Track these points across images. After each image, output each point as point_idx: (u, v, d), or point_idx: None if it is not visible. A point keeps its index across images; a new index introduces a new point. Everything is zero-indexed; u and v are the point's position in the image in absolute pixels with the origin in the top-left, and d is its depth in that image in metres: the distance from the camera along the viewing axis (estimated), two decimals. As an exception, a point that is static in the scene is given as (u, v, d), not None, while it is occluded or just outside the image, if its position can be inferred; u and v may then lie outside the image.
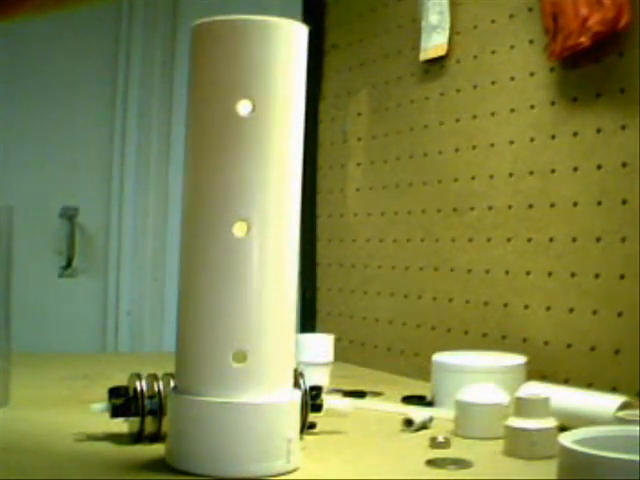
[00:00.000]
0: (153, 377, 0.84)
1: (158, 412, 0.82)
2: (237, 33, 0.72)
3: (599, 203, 1.09)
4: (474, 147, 1.28)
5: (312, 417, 0.87)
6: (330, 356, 1.17)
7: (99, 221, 1.86)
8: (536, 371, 1.08)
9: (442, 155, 1.34)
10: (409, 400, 1.09)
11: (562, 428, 0.79)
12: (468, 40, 1.30)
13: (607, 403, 0.88)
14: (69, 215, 1.84)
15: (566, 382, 1.08)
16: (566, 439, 0.65)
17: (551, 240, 1.15)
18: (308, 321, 1.60)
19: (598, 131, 1.09)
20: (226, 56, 0.73)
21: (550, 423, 0.82)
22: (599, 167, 1.09)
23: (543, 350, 1.14)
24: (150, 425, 0.82)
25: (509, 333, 1.20)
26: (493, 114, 1.25)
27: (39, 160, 1.83)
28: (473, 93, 1.29)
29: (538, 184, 1.17)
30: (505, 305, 1.21)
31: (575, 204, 1.12)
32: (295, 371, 0.80)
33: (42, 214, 1.82)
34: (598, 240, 1.09)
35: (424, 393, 1.10)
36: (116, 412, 0.83)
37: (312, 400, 0.87)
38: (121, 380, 0.86)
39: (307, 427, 0.86)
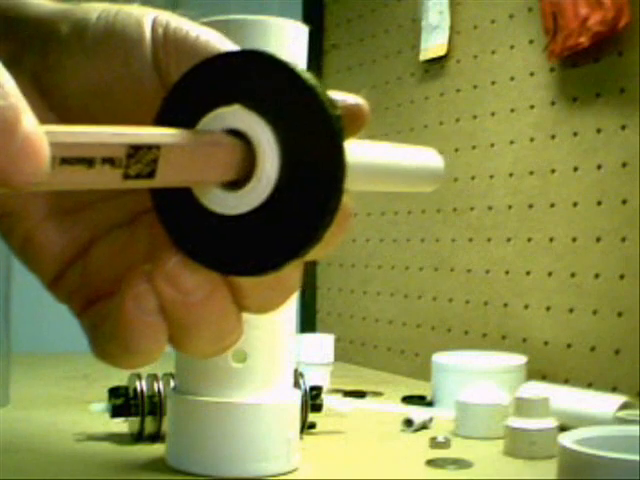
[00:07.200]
0: (153, 377, 0.84)
1: (158, 412, 0.82)
2: (236, 33, 0.72)
3: (599, 203, 1.09)
4: (474, 147, 1.28)
5: (312, 417, 0.87)
6: (330, 356, 1.17)
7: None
8: (536, 371, 1.08)
9: (442, 155, 1.34)
10: (409, 400, 1.09)
11: (562, 428, 0.79)
12: (468, 40, 1.30)
13: (607, 403, 0.88)
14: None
15: (566, 382, 1.08)
16: (566, 439, 0.65)
17: (551, 240, 1.15)
18: (308, 321, 1.59)
19: (598, 131, 1.09)
20: (226, 56, 0.72)
21: (550, 423, 0.81)
22: (599, 167, 1.09)
23: (543, 350, 1.14)
24: (150, 425, 0.82)
25: (509, 333, 1.20)
26: (493, 114, 1.25)
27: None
28: (473, 93, 1.29)
29: (538, 184, 1.17)
30: (505, 305, 1.21)
31: (575, 204, 1.12)
32: (295, 371, 0.80)
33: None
34: (598, 240, 1.09)
35: (424, 393, 1.10)
36: (116, 412, 0.83)
37: (312, 400, 0.87)
38: (121, 380, 0.86)
39: (307, 427, 0.86)
